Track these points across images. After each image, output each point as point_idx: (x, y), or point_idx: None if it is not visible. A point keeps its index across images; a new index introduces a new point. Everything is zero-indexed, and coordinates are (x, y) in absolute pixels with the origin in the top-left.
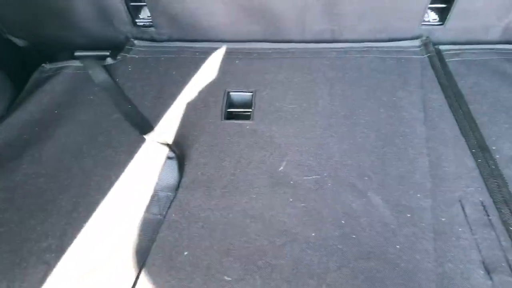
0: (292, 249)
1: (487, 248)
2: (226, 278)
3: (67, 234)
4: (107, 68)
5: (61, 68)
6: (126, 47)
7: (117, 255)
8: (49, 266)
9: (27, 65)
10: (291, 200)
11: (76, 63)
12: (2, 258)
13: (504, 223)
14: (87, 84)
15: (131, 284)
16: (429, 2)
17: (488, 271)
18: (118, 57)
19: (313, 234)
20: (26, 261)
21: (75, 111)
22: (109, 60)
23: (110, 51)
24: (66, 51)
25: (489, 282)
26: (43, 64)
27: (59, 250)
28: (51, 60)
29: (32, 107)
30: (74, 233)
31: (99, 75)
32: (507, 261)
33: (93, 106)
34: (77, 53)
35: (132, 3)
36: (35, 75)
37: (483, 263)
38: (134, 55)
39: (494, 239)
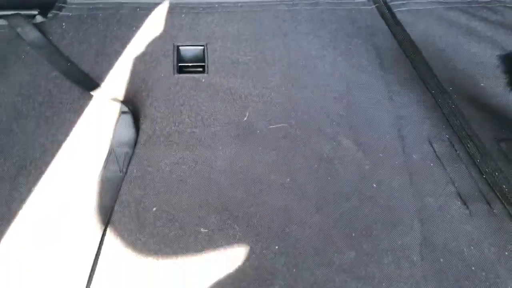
0: (268, 196)
1: (460, 180)
2: (202, 230)
3: (15, 200)
4: (38, 27)
5: None
6: (57, 4)
7: (77, 216)
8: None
9: None
10: (260, 148)
11: (0, 21)
12: None
13: (471, 156)
14: (15, 44)
15: (97, 244)
16: None
17: (464, 201)
18: (49, 15)
19: (288, 180)
20: None
21: (6, 72)
22: (39, 18)
23: (38, 10)
24: None
25: (467, 211)
26: None
27: (8, 217)
28: None
29: None
30: (22, 198)
31: (29, 33)
32: (480, 190)
33: (26, 65)
34: None
35: None
36: None
37: (459, 194)
38: (67, 13)
39: (464, 171)
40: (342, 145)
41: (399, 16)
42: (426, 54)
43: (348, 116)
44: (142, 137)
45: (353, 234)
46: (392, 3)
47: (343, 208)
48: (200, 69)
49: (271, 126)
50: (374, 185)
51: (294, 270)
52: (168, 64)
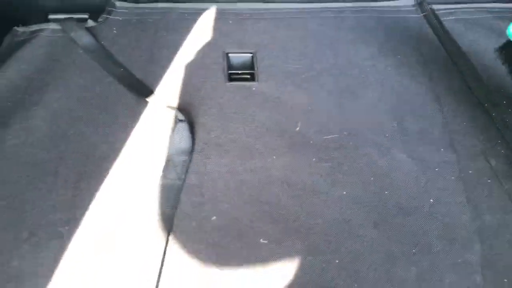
0: (326, 209)
1: None
2: (262, 241)
3: (77, 206)
4: (89, 31)
5: (37, 31)
6: (107, 8)
7: (139, 225)
8: (64, 239)
9: None
10: (314, 160)
11: (53, 25)
12: (8, 234)
13: None
14: (69, 48)
15: (161, 254)
16: None
17: None
18: (100, 19)
19: (344, 193)
20: (36, 235)
21: (61, 76)
22: (90, 22)
23: (88, 14)
24: (37, 15)
25: None
26: (15, 27)
27: (73, 223)
28: (21, 25)
29: (11, 74)
30: (86, 204)
31: (82, 37)
32: None
33: (80, 70)
34: (51, 16)
35: None
36: (7, 40)
37: None
38: (117, 17)
39: None
40: (397, 159)
41: (447, 25)
42: (476, 64)
43: (400, 128)
44: (198, 145)
45: (413, 251)
46: (440, 11)
47: (402, 223)
48: (249, 77)
49: (325, 137)
50: (431, 200)
51: (356, 285)
52: (218, 71)
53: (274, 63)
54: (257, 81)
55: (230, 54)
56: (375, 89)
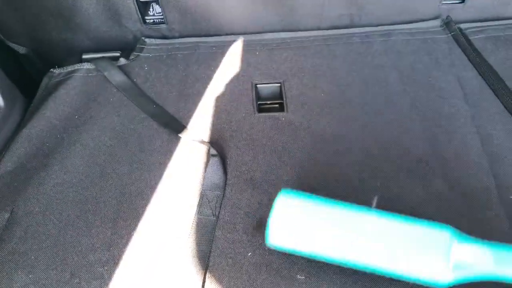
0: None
1: None
2: (299, 277)
3: (116, 245)
4: (122, 69)
5: (72, 71)
6: (138, 46)
7: (177, 262)
8: (104, 280)
9: (30, 73)
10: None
11: (87, 65)
12: (50, 275)
13: None
14: (103, 86)
15: None
16: None
17: None
18: (131, 57)
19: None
20: (77, 276)
21: (96, 115)
22: (123, 60)
23: (119, 52)
24: (72, 55)
25: None
26: (51, 70)
27: (112, 262)
28: (56, 66)
29: (49, 114)
30: (124, 243)
31: (115, 76)
32: None
33: (115, 108)
34: (85, 56)
35: None
36: (45, 81)
37: None
38: (147, 54)
39: None
40: (434, 186)
41: (476, 43)
42: (510, 84)
43: (435, 154)
44: (230, 179)
45: None
46: (468, 30)
47: None
48: (278, 106)
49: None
50: None
51: None
52: (248, 103)
53: (303, 92)
54: (286, 111)
55: (258, 85)
56: (407, 115)
